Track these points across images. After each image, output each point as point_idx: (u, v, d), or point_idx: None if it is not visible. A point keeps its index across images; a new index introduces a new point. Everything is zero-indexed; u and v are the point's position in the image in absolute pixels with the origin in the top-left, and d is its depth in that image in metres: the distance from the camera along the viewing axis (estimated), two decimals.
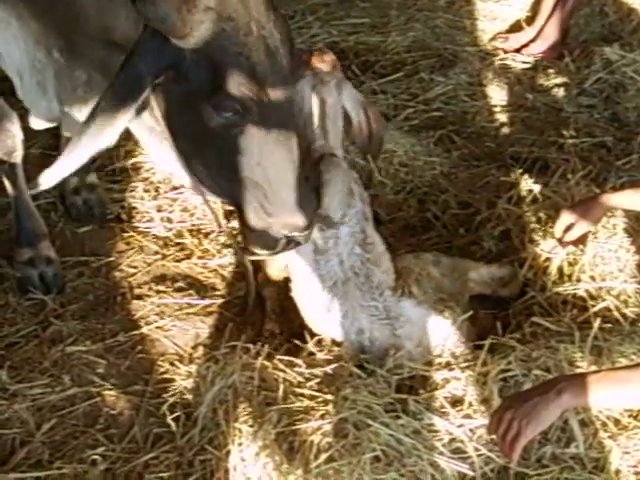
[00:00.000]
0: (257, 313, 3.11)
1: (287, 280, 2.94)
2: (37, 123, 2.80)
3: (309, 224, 2.47)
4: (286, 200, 2.40)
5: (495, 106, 4.10)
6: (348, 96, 2.83)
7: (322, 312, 2.83)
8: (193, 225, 3.48)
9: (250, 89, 2.23)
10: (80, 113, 2.60)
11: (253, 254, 2.55)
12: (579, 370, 2.70)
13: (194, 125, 2.31)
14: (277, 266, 2.99)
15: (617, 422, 2.66)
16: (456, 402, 2.71)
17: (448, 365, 2.79)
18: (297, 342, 2.92)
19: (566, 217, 2.93)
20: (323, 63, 2.78)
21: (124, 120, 2.26)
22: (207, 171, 2.40)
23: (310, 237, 2.55)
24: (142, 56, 2.21)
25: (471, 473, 2.55)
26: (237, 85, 2.21)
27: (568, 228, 2.93)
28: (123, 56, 2.25)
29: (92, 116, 2.25)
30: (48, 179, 2.37)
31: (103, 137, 2.27)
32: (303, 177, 2.44)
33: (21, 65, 2.62)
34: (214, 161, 2.37)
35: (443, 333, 2.82)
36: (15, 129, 3.05)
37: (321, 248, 2.79)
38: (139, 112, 2.30)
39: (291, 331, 2.98)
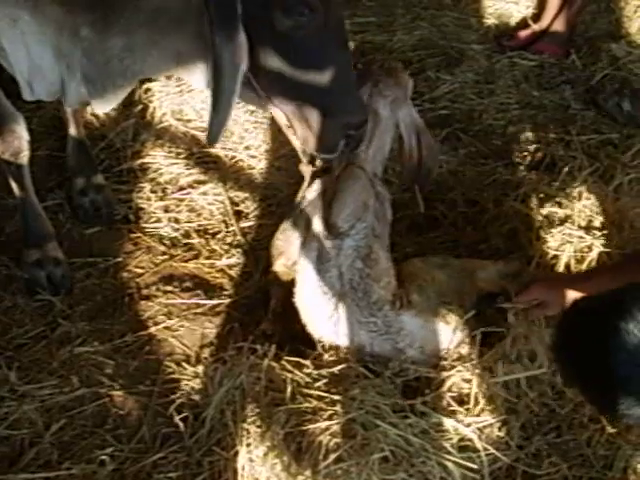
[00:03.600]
0: (262, 312, 3.10)
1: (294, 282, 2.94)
2: (70, 104, 2.84)
3: (364, 122, 2.67)
4: (347, 99, 2.61)
5: (502, 104, 4.10)
6: (404, 116, 2.82)
7: (322, 323, 2.83)
8: (200, 225, 3.48)
9: None
10: (112, 88, 2.66)
11: (316, 160, 2.76)
12: None
13: (263, 37, 2.44)
14: (285, 261, 2.97)
15: None
16: (463, 401, 2.71)
17: (454, 365, 2.79)
18: (301, 345, 2.90)
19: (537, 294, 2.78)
20: (389, 77, 2.78)
21: (241, 36, 2.37)
22: (276, 81, 2.52)
23: (363, 137, 2.72)
24: None
25: (480, 472, 2.55)
26: None
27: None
28: None
29: (218, 55, 2.37)
30: (215, 135, 2.54)
31: (238, 61, 2.40)
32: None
33: (36, 60, 2.62)
34: (283, 68, 2.48)
35: (447, 337, 2.81)
36: (21, 130, 3.05)
37: (324, 257, 2.79)
38: None
39: (289, 334, 2.97)
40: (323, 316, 2.81)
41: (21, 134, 3.05)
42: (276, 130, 3.79)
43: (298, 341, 2.91)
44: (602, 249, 3.12)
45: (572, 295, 2.61)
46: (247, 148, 3.84)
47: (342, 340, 2.82)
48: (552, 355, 2.54)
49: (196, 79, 2.66)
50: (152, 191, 3.62)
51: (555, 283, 2.73)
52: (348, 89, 2.62)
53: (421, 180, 2.95)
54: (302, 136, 2.63)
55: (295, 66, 2.49)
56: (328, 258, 2.78)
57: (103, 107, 2.78)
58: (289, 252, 2.92)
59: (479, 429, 2.64)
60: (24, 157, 3.10)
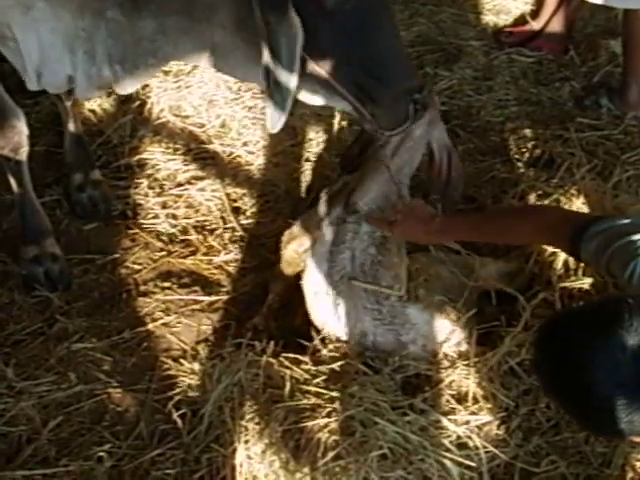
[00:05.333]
0: (260, 308, 3.10)
1: (298, 276, 2.94)
2: (85, 94, 2.77)
3: (423, 83, 2.69)
4: (402, 64, 2.64)
5: (500, 100, 4.09)
6: (438, 136, 2.85)
7: (327, 308, 2.83)
8: (198, 221, 3.48)
9: None
10: (144, 66, 2.64)
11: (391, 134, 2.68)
12: None
13: (313, 19, 2.41)
14: (297, 247, 2.97)
15: None
16: (462, 399, 2.71)
17: (453, 362, 2.79)
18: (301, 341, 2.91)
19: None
20: None
21: (293, 12, 2.37)
22: (332, 62, 2.50)
23: (431, 100, 2.71)
24: None
25: (478, 470, 2.56)
26: None
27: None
28: None
29: (273, 33, 2.37)
30: (275, 121, 2.52)
31: (294, 37, 2.39)
32: None
33: (47, 49, 2.59)
34: (337, 47, 2.48)
35: (449, 334, 2.82)
36: (21, 125, 3.04)
37: (339, 239, 2.79)
38: None
39: (288, 330, 2.97)
40: (329, 300, 2.81)
41: (21, 129, 3.04)
42: None
43: (297, 336, 2.91)
44: None
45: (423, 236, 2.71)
46: (245, 144, 3.83)
47: (345, 326, 2.82)
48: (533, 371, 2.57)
49: (229, 70, 2.66)
50: (150, 187, 3.61)
51: (423, 223, 2.70)
52: (400, 55, 2.65)
53: (448, 197, 2.97)
54: (369, 114, 2.59)
55: (348, 42, 2.46)
56: (343, 240, 2.79)
57: (130, 87, 2.74)
58: (303, 238, 2.93)
59: (478, 427, 2.64)
60: (23, 153, 3.09)
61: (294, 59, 2.41)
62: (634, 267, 2.08)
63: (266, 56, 2.42)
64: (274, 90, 2.47)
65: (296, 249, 2.97)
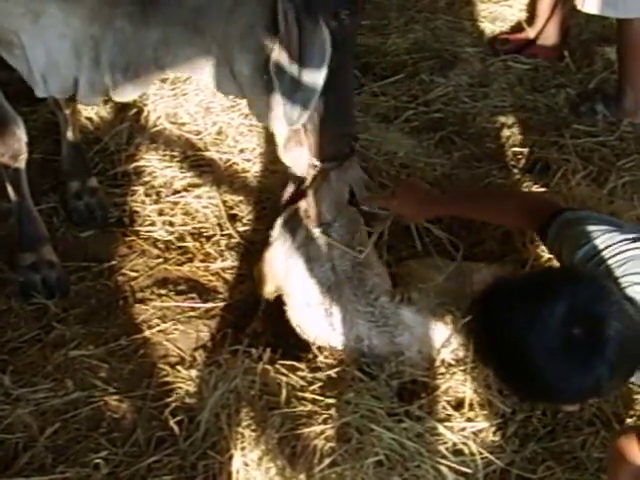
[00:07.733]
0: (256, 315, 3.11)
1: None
2: (86, 100, 2.82)
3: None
4: (354, 108, 2.90)
5: (496, 107, 4.10)
6: (353, 177, 2.90)
7: (320, 322, 2.84)
8: (194, 229, 3.48)
9: None
10: (145, 74, 2.68)
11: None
12: None
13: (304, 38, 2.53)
14: (272, 287, 2.99)
15: (621, 422, 2.67)
16: (458, 405, 2.72)
17: (449, 368, 2.80)
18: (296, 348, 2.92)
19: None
20: None
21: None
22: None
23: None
24: None
25: (474, 476, 2.56)
26: None
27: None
28: None
29: (308, 39, 2.49)
30: (298, 118, 2.63)
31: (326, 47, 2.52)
32: None
33: (54, 55, 2.61)
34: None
35: (444, 338, 2.82)
36: (21, 132, 3.05)
37: (314, 257, 2.82)
38: None
39: (283, 338, 2.97)
40: (319, 312, 2.82)
41: (21, 136, 3.04)
42: (271, 134, 3.80)
43: (292, 344, 2.92)
44: None
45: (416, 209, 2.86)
46: (241, 151, 3.83)
47: (340, 335, 2.83)
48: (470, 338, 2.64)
49: (216, 81, 2.69)
50: (146, 194, 3.62)
51: (420, 196, 2.86)
52: (353, 99, 2.82)
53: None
54: (311, 143, 2.71)
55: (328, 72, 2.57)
56: (319, 256, 2.82)
57: (129, 95, 2.77)
58: (272, 274, 2.97)
59: (474, 433, 2.65)
60: (22, 160, 3.09)
61: (324, 62, 2.51)
62: (578, 254, 2.22)
63: (284, 58, 2.50)
64: (292, 89, 2.55)
65: (271, 289, 2.99)
